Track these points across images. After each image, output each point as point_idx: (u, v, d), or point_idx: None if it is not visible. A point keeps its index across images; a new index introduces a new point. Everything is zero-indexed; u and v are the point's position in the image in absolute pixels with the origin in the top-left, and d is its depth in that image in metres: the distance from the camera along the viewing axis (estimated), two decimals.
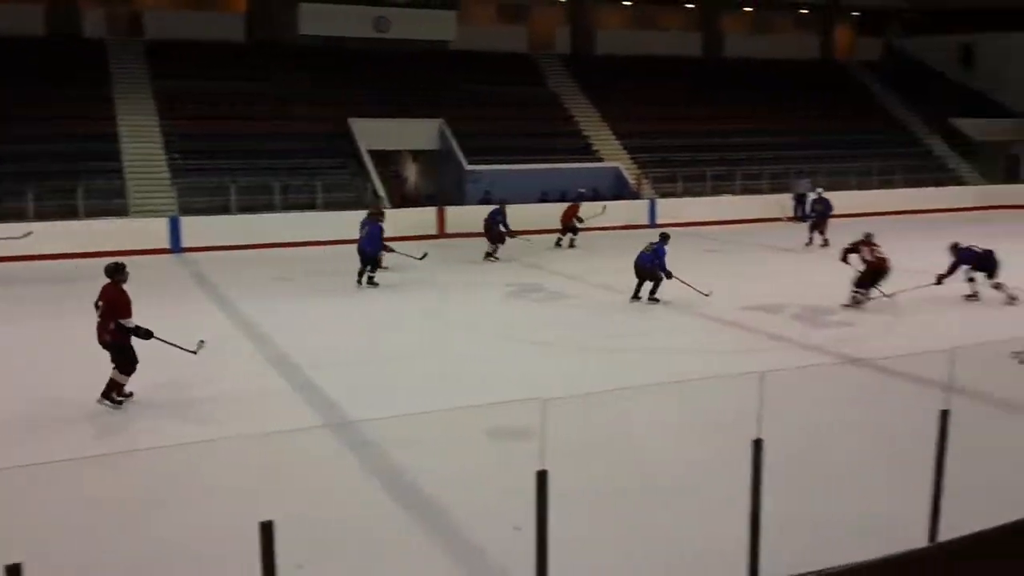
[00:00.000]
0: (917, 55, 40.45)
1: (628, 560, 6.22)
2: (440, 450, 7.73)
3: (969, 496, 6.05)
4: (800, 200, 28.39)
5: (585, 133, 30.93)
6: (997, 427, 7.97)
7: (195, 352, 10.01)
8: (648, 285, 15.44)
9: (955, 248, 15.55)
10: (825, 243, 21.68)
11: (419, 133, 28.66)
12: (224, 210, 23.68)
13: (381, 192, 25.77)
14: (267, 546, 4.32)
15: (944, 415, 5.63)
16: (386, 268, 18.20)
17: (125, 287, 9.61)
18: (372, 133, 27.39)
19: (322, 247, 21.90)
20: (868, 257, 15.15)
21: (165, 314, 11.32)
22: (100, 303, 9.51)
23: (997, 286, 15.32)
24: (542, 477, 4.84)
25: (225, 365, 11.06)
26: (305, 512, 6.37)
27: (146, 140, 25.46)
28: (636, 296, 15.55)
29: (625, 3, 38.62)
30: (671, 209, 27.39)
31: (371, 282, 17.21)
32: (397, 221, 21.13)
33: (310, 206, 24.53)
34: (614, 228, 25.26)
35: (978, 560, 5.32)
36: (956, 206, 30.22)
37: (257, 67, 29.37)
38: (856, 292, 15.16)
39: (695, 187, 29.49)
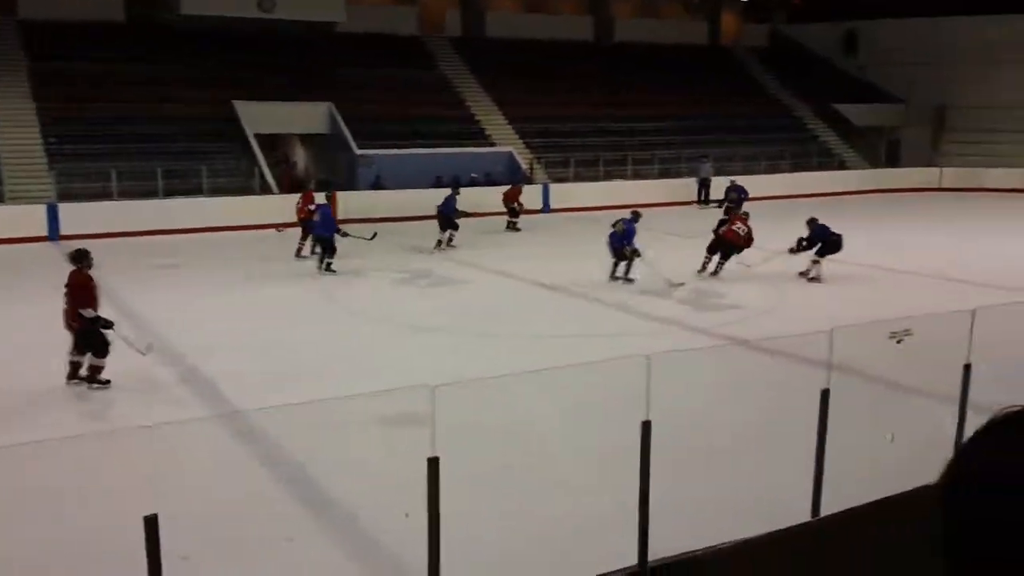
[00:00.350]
0: (802, 41, 41.65)
1: (520, 543, 6.21)
2: (329, 439, 7.58)
3: (850, 472, 6.24)
4: (703, 184, 29.00)
5: (477, 117, 30.83)
6: (876, 404, 8.26)
7: (144, 353, 9.86)
8: (623, 265, 15.70)
9: (812, 222, 16.30)
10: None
11: (308, 117, 28.06)
12: (105, 196, 22.75)
13: (269, 177, 25.15)
14: (152, 540, 4.16)
15: (825, 394, 5.78)
16: (305, 257, 18.10)
17: (91, 273, 9.59)
18: (259, 117, 26.65)
19: (208, 234, 21.25)
20: (733, 227, 15.79)
21: (42, 305, 10.78)
22: (66, 289, 9.44)
23: (816, 261, 16.04)
24: (433, 464, 4.77)
25: (109, 357, 10.60)
26: (192, 505, 6.15)
27: (21, 124, 24.18)
28: (614, 276, 15.72)
29: None
30: (564, 194, 27.58)
31: (328, 269, 16.80)
32: (285, 207, 20.65)
33: (195, 192, 23.76)
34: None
35: (857, 532, 5.49)
36: (840, 190, 31.34)
37: (137, 48, 28.18)
38: (706, 259, 16.19)
39: (588, 172, 29.77)
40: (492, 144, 29.69)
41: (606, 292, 14.97)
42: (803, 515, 5.84)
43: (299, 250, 18.74)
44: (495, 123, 30.80)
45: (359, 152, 26.86)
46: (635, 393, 5.25)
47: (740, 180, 24.51)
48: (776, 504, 6.29)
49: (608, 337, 11.84)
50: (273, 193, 24.69)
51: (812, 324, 6.73)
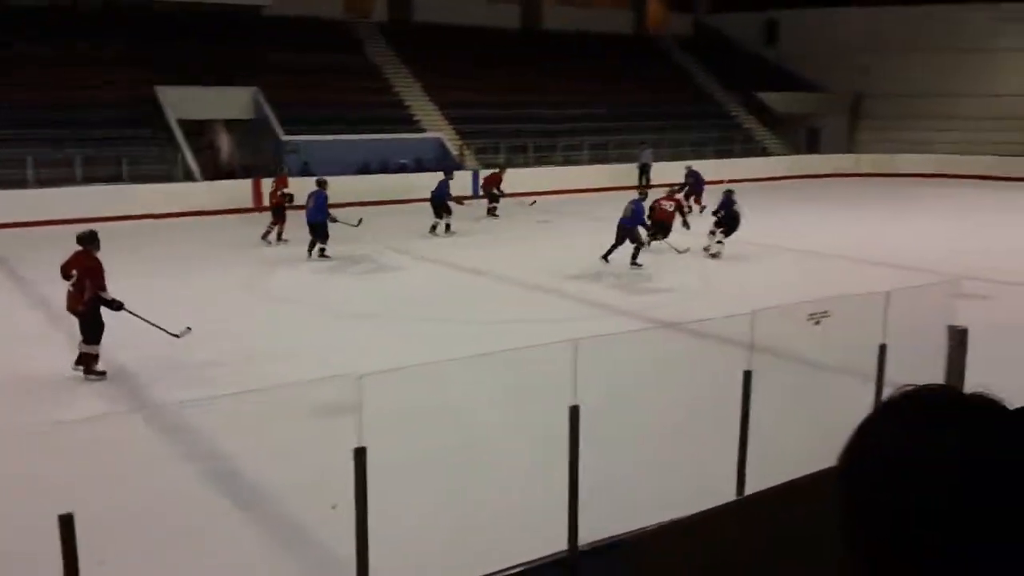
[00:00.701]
0: (724, 30, 42.29)
1: (450, 531, 6.22)
2: (257, 432, 7.46)
3: (774, 450, 6.37)
4: (644, 170, 29.46)
5: (406, 103, 30.62)
6: (797, 383, 8.46)
7: (179, 336, 9.89)
8: (627, 249, 15.83)
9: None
10: (702, 209, 22.24)
11: (232, 102, 27.49)
12: (20, 184, 22.01)
13: (192, 164, 24.61)
14: (68, 540, 4.05)
15: (747, 375, 5.90)
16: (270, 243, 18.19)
17: (98, 255, 9.48)
18: (182, 102, 26.03)
19: (130, 222, 20.72)
20: (661, 205, 16.77)
21: None
22: (73, 271, 9.26)
23: (719, 239, 16.92)
24: (360, 454, 4.74)
25: (28, 350, 10.29)
26: (113, 502, 6.01)
27: None
28: (606, 258, 15.90)
29: None
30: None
31: (323, 254, 16.81)
32: (211, 194, 20.26)
33: (116, 179, 23.13)
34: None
35: (780, 509, 5.61)
36: (763, 176, 31.95)
37: (55, 30, 27.21)
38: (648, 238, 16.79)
39: (518, 158, 29.81)
40: (421, 130, 29.53)
41: (542, 277, 15.02)
42: (729, 494, 5.96)
43: (267, 234, 18.63)
44: (424, 109, 30.62)
45: (285, 138, 26.45)
46: (565, 378, 5.29)
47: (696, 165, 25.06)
48: (703, 484, 6.39)
49: (542, 323, 11.89)
50: (196, 180, 24.18)
51: (740, 306, 6.85)
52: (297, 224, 17.81)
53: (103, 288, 9.37)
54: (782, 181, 31.84)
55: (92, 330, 9.39)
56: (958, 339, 6.85)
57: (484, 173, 27.78)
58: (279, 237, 18.55)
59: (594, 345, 5.74)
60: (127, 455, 7.16)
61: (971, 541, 0.85)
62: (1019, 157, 32.53)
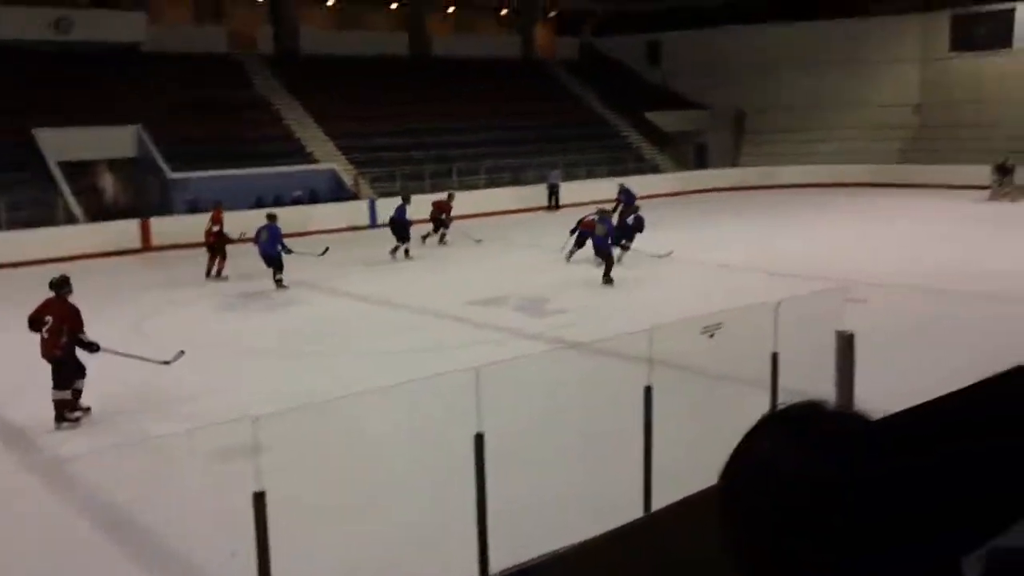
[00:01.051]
0: (610, 53, 43.21)
1: (358, 567, 6.09)
2: (154, 479, 7.20)
3: (678, 464, 6.46)
4: (553, 191, 29.97)
5: (297, 135, 30.23)
6: (697, 396, 8.61)
7: (169, 363, 9.99)
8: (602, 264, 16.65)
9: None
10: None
11: (115, 141, 26.62)
12: None
13: (75, 208, 23.74)
14: None
15: (647, 391, 5.97)
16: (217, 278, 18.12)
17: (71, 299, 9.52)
18: (62, 143, 25.09)
19: (10, 270, 19.82)
20: (588, 217, 17.89)
21: None
22: (48, 318, 9.27)
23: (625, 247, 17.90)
24: (259, 499, 4.60)
25: None
26: (4, 560, 5.69)
27: None
28: (568, 258, 17.89)
29: (328, 3, 38.19)
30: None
31: (280, 285, 16.98)
32: (95, 237, 19.57)
33: None
34: (337, 231, 24.93)
35: (687, 523, 5.68)
36: (655, 193, 32.57)
37: None
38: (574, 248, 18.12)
39: (414, 185, 29.68)
40: (314, 161, 29.17)
41: (446, 304, 14.95)
42: (636, 512, 6.00)
43: (209, 271, 18.34)
44: (315, 140, 30.30)
45: (172, 176, 25.77)
46: (469, 405, 5.25)
47: (628, 182, 25.79)
48: (611, 503, 6.43)
49: (447, 350, 11.82)
50: (79, 223, 23.34)
51: (641, 322, 6.96)
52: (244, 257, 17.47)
53: (81, 331, 9.40)
54: (674, 197, 32.57)
55: (68, 374, 9.30)
56: (846, 344, 7.07)
57: (381, 202, 27.64)
58: (219, 273, 18.30)
59: (497, 371, 5.74)
60: (16, 510, 6.82)
61: (843, 554, 0.89)
62: (893, 165, 34.08)
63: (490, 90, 36.29)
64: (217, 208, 19.42)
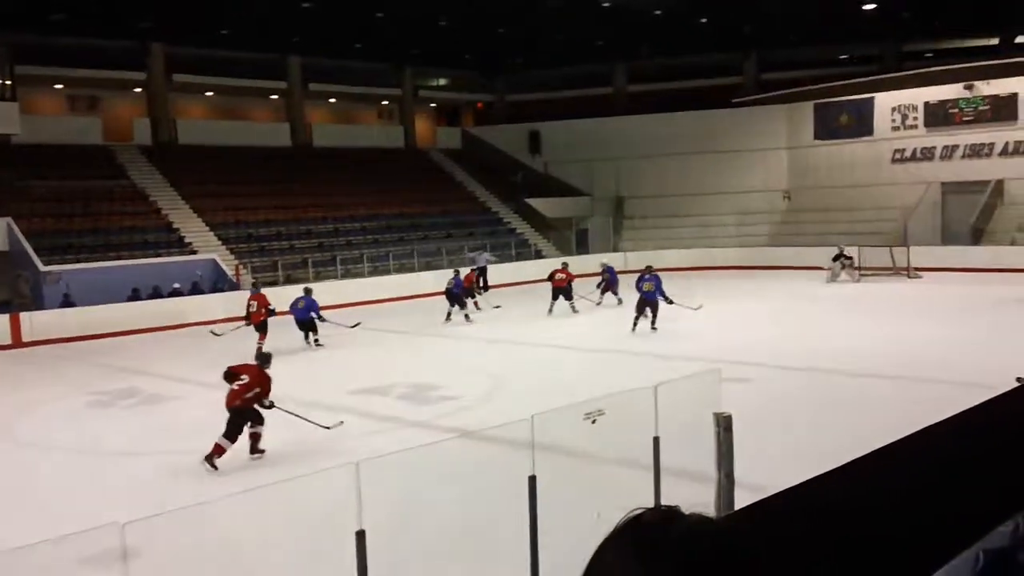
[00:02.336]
0: (491, 142, 44.19)
1: None
2: None
3: (565, 553, 6.41)
4: (482, 273, 30.09)
5: (175, 226, 29.60)
6: (584, 483, 8.62)
7: (330, 428, 11.69)
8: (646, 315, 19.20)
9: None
10: (619, 302, 24.69)
11: None
12: None
13: None
14: None
15: (532, 481, 5.95)
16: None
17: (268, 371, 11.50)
18: None
19: None
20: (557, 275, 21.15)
21: None
22: (244, 376, 11.17)
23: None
24: None
25: None
26: None
27: None
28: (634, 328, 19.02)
29: (207, 94, 37.98)
30: (273, 299, 26.84)
31: (317, 344, 19.76)
32: None
33: None
34: (217, 320, 24.29)
35: None
36: (539, 278, 32.99)
37: None
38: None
39: (298, 274, 29.38)
40: (193, 252, 28.55)
41: (325, 393, 14.64)
42: None
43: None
44: (195, 231, 29.72)
45: (44, 269, 24.79)
46: (349, 502, 5.13)
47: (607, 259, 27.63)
48: None
49: (326, 442, 11.52)
50: None
51: (526, 409, 6.97)
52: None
53: (267, 397, 11.21)
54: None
55: (237, 427, 10.88)
56: (724, 425, 7.24)
57: (264, 292, 27.07)
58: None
59: (379, 464, 5.63)
60: None
61: None
62: (763, 247, 35.62)
63: (374, 179, 36.53)
64: (259, 292, 20.78)
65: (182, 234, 29.25)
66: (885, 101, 36.70)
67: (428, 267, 30.87)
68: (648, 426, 7.12)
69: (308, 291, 20.69)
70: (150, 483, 10.29)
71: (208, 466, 10.55)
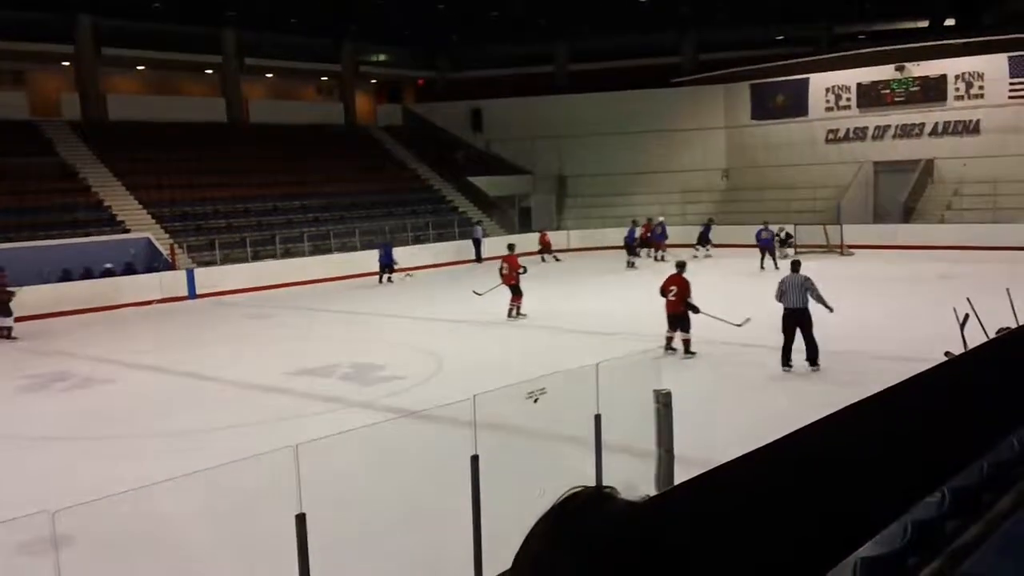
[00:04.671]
0: (433, 119, 43.89)
1: None
2: None
3: (508, 530, 6.46)
4: (477, 244, 32.41)
5: (107, 204, 28.87)
6: (527, 460, 8.68)
7: (740, 325, 14.84)
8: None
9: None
10: (662, 258, 29.51)
11: None
12: None
13: None
14: None
15: (474, 460, 5.97)
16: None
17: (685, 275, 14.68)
18: None
19: None
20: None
21: None
22: (672, 287, 14.40)
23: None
24: None
25: None
26: None
27: None
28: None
29: (139, 68, 37.02)
30: (211, 278, 26.52)
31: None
32: None
33: None
34: (152, 302, 23.88)
35: None
36: (486, 256, 33.05)
37: None
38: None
39: (235, 254, 28.93)
40: (126, 231, 27.90)
41: (268, 376, 14.47)
42: None
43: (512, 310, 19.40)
44: (127, 209, 29.03)
45: None
46: (291, 484, 5.09)
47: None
48: (443, 572, 6.36)
49: (265, 424, 11.42)
50: None
51: (469, 387, 6.98)
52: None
53: (689, 296, 14.39)
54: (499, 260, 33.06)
55: (687, 320, 14.39)
56: (664, 401, 7.35)
57: (200, 271, 26.68)
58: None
59: (319, 446, 5.59)
60: None
61: None
62: (697, 226, 36.03)
63: (313, 156, 36.03)
64: (512, 255, 20.42)
65: (114, 212, 28.56)
66: (819, 82, 37.32)
67: (370, 246, 30.59)
68: (590, 404, 7.19)
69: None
70: (84, 468, 10.09)
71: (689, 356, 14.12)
